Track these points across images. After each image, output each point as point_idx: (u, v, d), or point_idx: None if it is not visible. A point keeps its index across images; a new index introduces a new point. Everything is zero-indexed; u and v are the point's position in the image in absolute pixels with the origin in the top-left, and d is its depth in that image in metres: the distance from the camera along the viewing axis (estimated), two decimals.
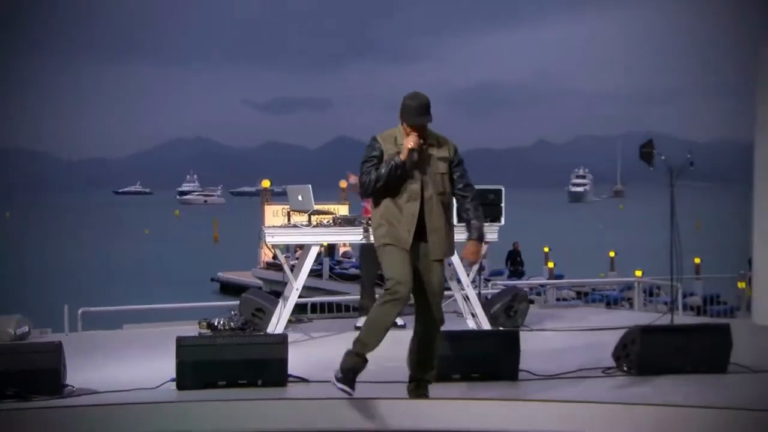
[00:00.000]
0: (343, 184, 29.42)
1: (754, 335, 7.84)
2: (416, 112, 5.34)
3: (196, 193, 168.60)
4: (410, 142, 5.33)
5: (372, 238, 5.75)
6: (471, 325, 8.04)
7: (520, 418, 5.32)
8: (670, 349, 6.35)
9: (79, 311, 9.32)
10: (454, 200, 5.71)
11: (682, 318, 9.43)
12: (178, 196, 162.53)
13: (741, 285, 17.78)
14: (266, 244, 8.10)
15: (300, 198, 8.32)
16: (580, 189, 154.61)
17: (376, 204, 5.48)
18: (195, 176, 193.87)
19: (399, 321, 8.64)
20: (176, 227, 75.88)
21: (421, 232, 5.40)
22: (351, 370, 5.35)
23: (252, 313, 8.22)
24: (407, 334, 5.78)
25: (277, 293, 9.03)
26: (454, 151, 5.51)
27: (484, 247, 8.68)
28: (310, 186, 8.27)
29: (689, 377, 6.19)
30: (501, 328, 7.93)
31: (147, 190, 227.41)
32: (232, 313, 8.44)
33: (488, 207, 7.89)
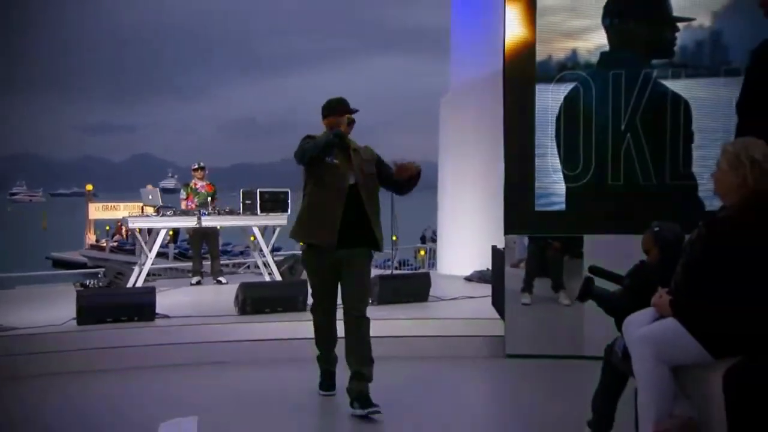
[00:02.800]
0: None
1: (440, 279, 8.60)
2: (339, 106, 4.26)
3: (23, 194, 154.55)
4: (344, 121, 4.22)
5: (294, 229, 4.37)
6: (268, 278, 8.30)
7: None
8: (395, 288, 6.85)
9: None
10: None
11: (395, 271, 10.30)
12: (8, 197, 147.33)
13: (421, 253, 19.60)
14: (128, 229, 8.00)
15: (150, 197, 8.32)
16: None
17: (305, 195, 4.28)
18: (23, 182, 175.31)
19: (193, 280, 8.78)
20: (8, 220, 68.16)
21: (347, 226, 4.15)
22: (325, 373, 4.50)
23: (115, 276, 8.14)
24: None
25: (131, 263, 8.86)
26: (376, 154, 4.39)
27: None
28: (158, 189, 8.31)
29: (407, 305, 6.76)
30: (290, 280, 8.17)
31: None
32: (99, 275, 8.31)
33: (280, 203, 8.17)
